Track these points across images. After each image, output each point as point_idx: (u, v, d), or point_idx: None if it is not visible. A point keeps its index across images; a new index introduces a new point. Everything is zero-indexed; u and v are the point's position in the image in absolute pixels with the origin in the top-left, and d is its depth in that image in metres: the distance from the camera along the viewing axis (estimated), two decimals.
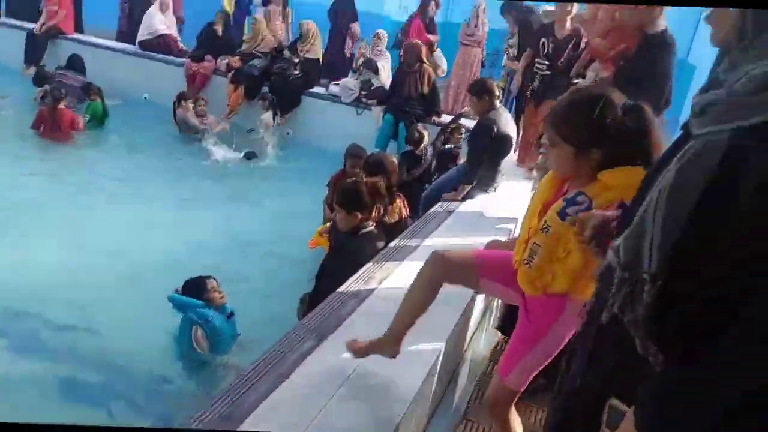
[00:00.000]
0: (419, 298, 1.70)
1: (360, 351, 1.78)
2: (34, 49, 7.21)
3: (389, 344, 1.73)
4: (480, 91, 3.76)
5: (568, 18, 4.23)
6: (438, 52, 7.06)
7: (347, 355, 1.79)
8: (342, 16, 7.67)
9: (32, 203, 4.22)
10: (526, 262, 1.52)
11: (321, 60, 6.87)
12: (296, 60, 6.62)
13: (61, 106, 5.70)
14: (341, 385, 1.74)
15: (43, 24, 7.41)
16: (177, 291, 2.77)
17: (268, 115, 6.34)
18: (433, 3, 7.29)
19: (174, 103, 6.32)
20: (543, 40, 4.36)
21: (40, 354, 2.73)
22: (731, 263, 0.64)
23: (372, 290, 2.34)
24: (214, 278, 2.83)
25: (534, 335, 1.58)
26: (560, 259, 1.47)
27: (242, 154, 5.96)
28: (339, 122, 6.36)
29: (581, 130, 1.43)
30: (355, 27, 7.66)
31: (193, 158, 5.81)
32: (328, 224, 3.11)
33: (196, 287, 2.76)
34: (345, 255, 2.68)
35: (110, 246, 3.74)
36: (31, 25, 7.51)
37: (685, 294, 0.69)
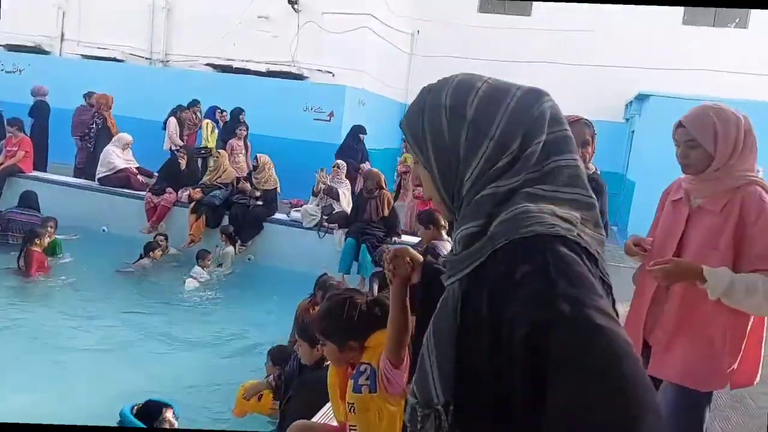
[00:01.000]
0: None
1: None
2: None
3: None
4: (427, 221, 4.14)
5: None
6: None
7: None
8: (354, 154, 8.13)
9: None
10: None
11: (277, 189, 7.04)
12: (255, 191, 6.77)
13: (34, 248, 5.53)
14: None
15: (1, 164, 7.43)
16: (134, 408, 2.67)
17: (230, 249, 6.34)
18: None
19: (140, 254, 6.18)
20: None
21: None
22: (496, 375, 0.78)
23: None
24: (172, 408, 2.70)
25: None
26: (377, 425, 1.69)
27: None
28: (302, 246, 6.40)
29: (338, 331, 1.82)
30: (366, 166, 7.89)
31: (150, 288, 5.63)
32: (252, 383, 3.02)
33: (148, 414, 2.66)
34: (308, 389, 2.55)
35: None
36: None
37: (474, 413, 0.82)
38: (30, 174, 7.55)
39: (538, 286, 0.76)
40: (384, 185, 6.18)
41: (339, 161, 7.11)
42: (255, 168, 6.87)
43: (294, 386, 2.78)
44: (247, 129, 8.31)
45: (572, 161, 0.89)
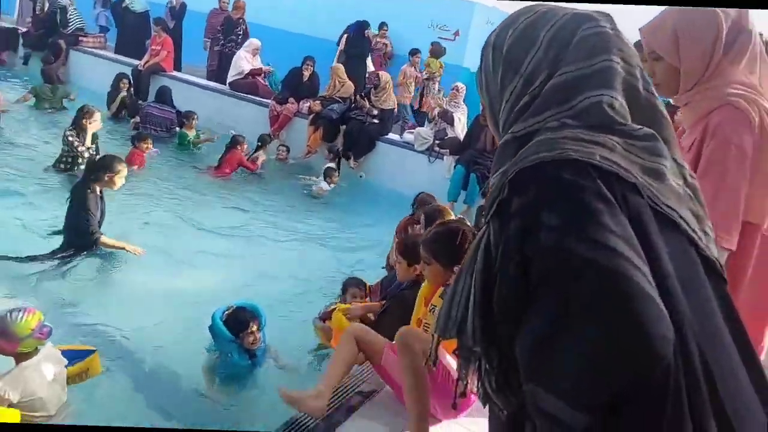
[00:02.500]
0: (344, 356, 2.06)
1: (288, 400, 1.94)
2: (139, 83, 7.82)
3: (313, 399, 1.92)
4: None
5: None
6: None
7: None
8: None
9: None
10: None
11: (395, 110, 7.03)
12: (373, 109, 6.79)
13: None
14: None
15: (147, 62, 8.07)
16: (224, 314, 2.83)
17: (332, 165, 6.52)
18: None
19: (257, 145, 6.62)
20: None
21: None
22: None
23: None
24: (258, 320, 2.85)
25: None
26: None
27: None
28: (411, 169, 6.42)
29: (447, 255, 2.01)
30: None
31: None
32: (347, 305, 3.04)
33: (237, 322, 2.80)
34: (403, 306, 2.64)
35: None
36: (136, 62, 8.20)
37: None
38: (170, 74, 8.14)
39: (524, 220, 0.73)
40: None
41: (458, 83, 6.86)
42: (376, 86, 6.82)
43: (390, 301, 2.87)
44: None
45: (606, 97, 0.79)
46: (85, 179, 3.84)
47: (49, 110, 7.24)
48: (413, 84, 8.20)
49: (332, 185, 6.19)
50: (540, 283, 0.71)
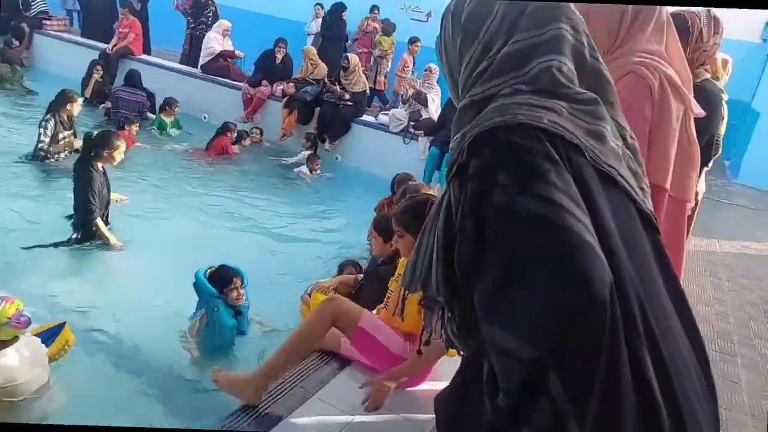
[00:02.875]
0: (310, 335, 2.02)
1: (221, 382, 1.92)
2: (107, 67, 7.65)
3: (253, 384, 1.86)
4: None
5: None
6: None
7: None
8: None
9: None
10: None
11: (366, 92, 7.02)
12: (344, 93, 6.77)
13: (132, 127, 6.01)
14: None
15: (115, 45, 7.89)
16: (207, 272, 2.91)
17: (307, 153, 6.51)
18: None
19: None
20: None
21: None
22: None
23: None
24: (241, 277, 2.93)
25: None
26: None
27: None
28: (386, 150, 6.45)
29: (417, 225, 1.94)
30: None
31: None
32: (329, 281, 3.13)
33: (221, 279, 2.89)
34: (378, 281, 2.71)
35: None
36: (104, 45, 8.01)
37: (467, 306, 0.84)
38: (139, 57, 7.98)
39: (479, 181, 0.80)
40: None
41: (431, 65, 6.87)
42: (345, 69, 6.80)
43: (366, 276, 2.95)
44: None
45: (555, 61, 0.85)
46: (84, 157, 3.81)
47: (10, 91, 7.10)
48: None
49: (314, 172, 6.21)
50: (494, 237, 0.77)
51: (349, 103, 6.78)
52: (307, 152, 6.52)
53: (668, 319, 0.82)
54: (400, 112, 6.62)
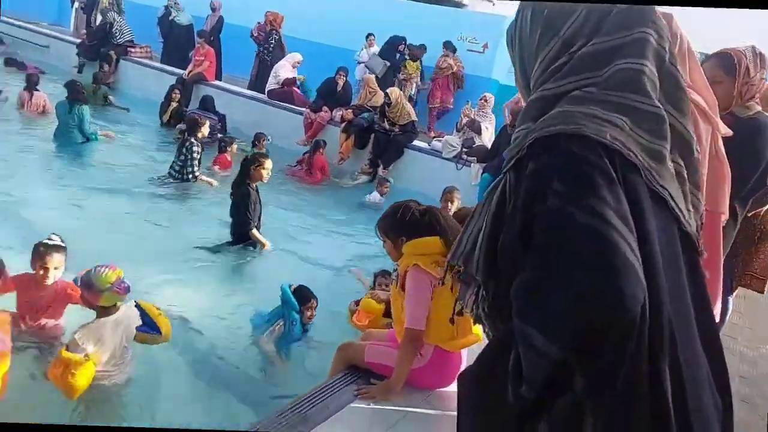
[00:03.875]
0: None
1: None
2: (183, 91, 8.29)
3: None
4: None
5: None
6: None
7: None
8: None
9: None
10: None
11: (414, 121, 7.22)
12: (393, 127, 7.01)
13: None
14: None
15: (191, 71, 8.55)
16: (290, 286, 3.21)
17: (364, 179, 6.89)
18: None
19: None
20: None
21: None
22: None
23: None
24: (316, 300, 3.19)
25: None
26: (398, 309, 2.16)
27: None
28: (438, 176, 6.65)
29: (391, 229, 2.17)
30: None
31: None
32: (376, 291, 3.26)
33: (301, 297, 3.16)
34: None
35: None
36: (180, 71, 8.69)
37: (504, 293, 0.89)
38: (212, 82, 8.60)
39: (535, 183, 0.83)
40: None
41: (487, 94, 7.08)
42: (388, 105, 7.01)
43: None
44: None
45: (635, 65, 0.85)
46: (242, 177, 4.35)
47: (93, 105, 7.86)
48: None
49: (384, 196, 6.27)
50: (540, 237, 0.81)
51: (399, 131, 7.05)
52: (366, 177, 6.82)
53: (691, 336, 0.86)
54: (454, 139, 6.83)
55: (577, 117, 0.82)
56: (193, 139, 5.62)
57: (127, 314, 2.42)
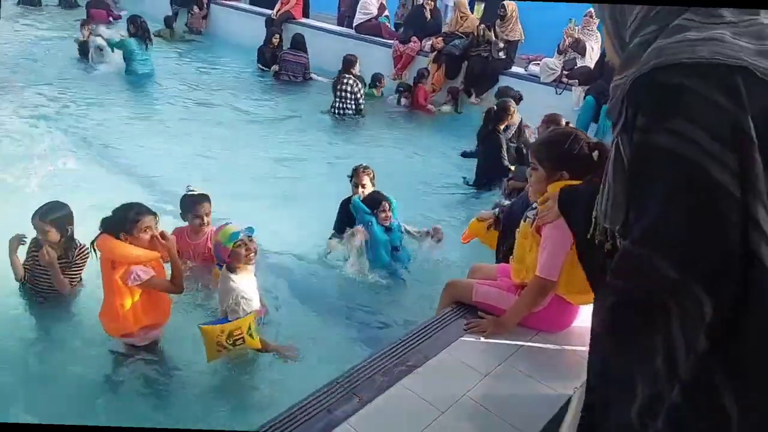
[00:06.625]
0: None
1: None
2: (270, 31, 8.35)
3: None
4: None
5: None
6: None
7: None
8: None
9: None
10: None
11: (521, 41, 6.82)
12: (499, 42, 6.64)
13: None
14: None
15: (279, 11, 8.55)
16: (360, 197, 3.43)
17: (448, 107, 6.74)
18: None
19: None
20: None
21: None
22: None
23: None
24: (389, 202, 3.34)
25: None
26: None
27: None
28: (536, 102, 6.28)
29: (554, 159, 1.89)
30: None
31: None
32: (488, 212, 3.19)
33: (372, 201, 3.35)
34: (509, 225, 2.66)
35: None
36: (268, 12, 8.72)
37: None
38: (300, 21, 8.56)
39: (636, 121, 0.85)
40: None
41: (591, 9, 6.47)
42: (502, 17, 6.68)
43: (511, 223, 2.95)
44: None
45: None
46: (487, 125, 4.58)
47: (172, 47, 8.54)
48: None
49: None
50: (641, 173, 0.86)
51: (502, 55, 6.66)
52: (449, 107, 6.61)
53: None
54: (553, 62, 6.38)
55: (669, 48, 0.82)
56: (352, 79, 6.04)
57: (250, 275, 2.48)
